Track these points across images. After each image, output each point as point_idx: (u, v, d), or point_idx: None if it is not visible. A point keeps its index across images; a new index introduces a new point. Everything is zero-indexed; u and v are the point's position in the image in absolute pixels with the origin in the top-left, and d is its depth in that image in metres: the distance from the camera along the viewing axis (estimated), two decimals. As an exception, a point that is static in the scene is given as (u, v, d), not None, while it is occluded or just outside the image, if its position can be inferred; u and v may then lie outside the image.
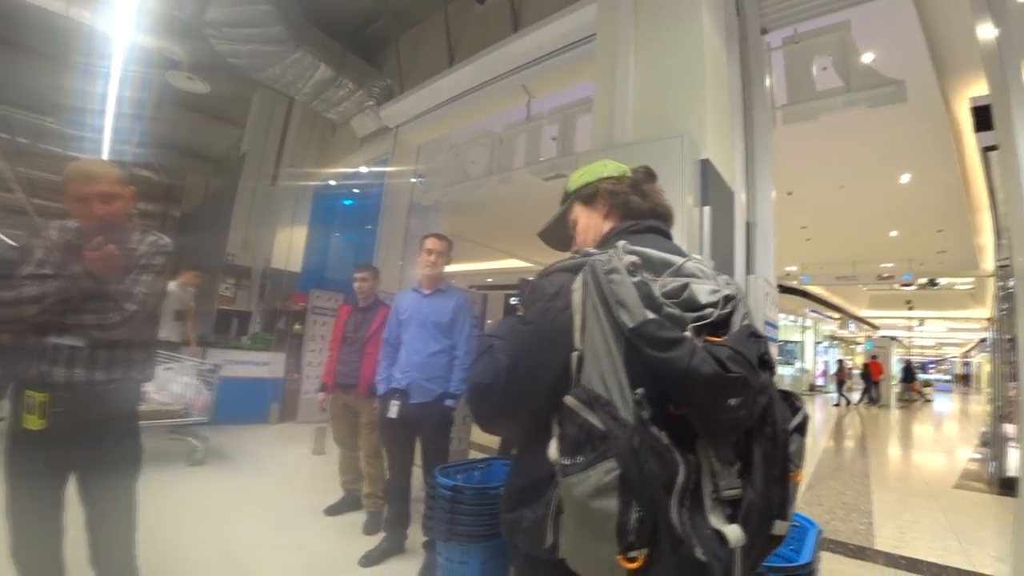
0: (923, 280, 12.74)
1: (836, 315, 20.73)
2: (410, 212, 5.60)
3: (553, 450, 0.91)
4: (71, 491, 1.67)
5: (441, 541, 2.13)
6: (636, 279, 0.89)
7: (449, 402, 2.89)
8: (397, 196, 5.62)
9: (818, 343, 21.81)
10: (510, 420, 1.09)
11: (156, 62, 5.96)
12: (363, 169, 6.74)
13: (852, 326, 23.52)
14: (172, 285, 5.11)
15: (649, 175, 1.28)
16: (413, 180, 5.67)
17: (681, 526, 0.79)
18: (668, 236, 1.21)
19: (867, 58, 3.98)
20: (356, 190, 7.66)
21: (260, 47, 5.47)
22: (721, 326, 0.91)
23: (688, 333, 0.86)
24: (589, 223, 1.26)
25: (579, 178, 1.31)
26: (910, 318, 21.23)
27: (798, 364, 19.61)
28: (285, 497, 3.80)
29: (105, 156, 7.68)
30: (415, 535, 3.01)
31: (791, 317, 18.63)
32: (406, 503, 3.02)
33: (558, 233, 1.37)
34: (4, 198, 14.71)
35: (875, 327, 23.59)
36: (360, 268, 3.66)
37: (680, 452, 0.82)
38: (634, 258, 0.93)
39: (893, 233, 10.34)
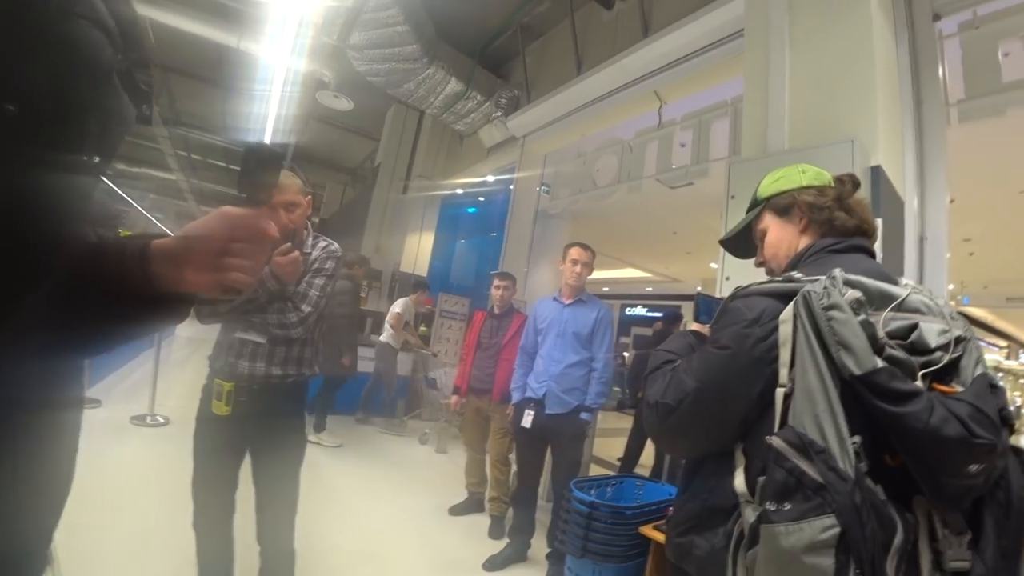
0: None
1: (1002, 343, 17.92)
2: (536, 220, 5.66)
3: (740, 483, 0.88)
4: (243, 473, 1.83)
5: (574, 557, 2.10)
6: (860, 318, 0.81)
7: (584, 415, 2.85)
8: (523, 204, 5.70)
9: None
10: (691, 445, 1.04)
11: (308, 84, 6.58)
12: (490, 178, 6.93)
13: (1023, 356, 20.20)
14: (409, 300, 6.02)
15: (855, 185, 1.14)
16: (538, 189, 5.73)
17: None
18: (873, 255, 1.08)
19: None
20: (481, 198, 7.90)
21: (396, 65, 5.82)
22: (947, 371, 0.82)
23: (919, 383, 0.78)
24: (782, 236, 1.15)
25: (773, 184, 1.18)
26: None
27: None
28: (412, 492, 3.96)
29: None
30: (537, 544, 3.00)
31: (944, 342, 16.35)
32: (532, 512, 3.02)
33: (742, 241, 1.27)
34: (179, 206, 17.10)
35: (1055, 360, 20.07)
36: (501, 276, 3.72)
37: (896, 509, 0.77)
38: (858, 294, 0.84)
39: (1089, 249, 8.71)
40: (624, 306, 17.25)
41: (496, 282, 3.67)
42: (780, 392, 0.86)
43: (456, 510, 3.61)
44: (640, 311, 17.32)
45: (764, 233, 1.19)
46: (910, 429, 0.72)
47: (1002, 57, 3.10)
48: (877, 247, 2.10)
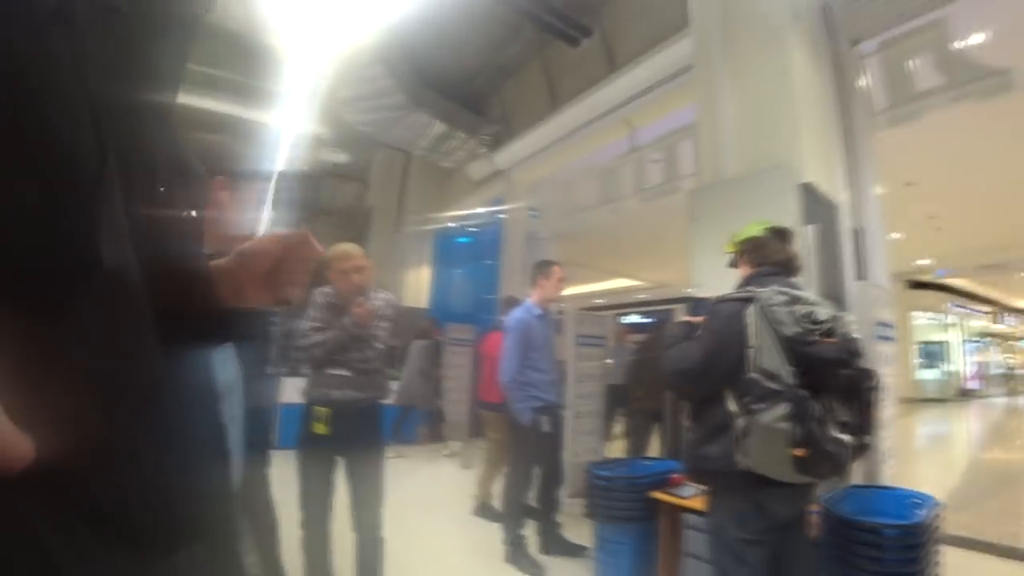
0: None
1: (987, 309, 18.44)
2: (527, 244, 6.14)
3: (733, 405, 1.58)
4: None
5: (601, 523, 2.54)
6: (788, 309, 1.55)
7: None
8: (514, 231, 6.18)
9: (967, 341, 19.15)
10: (702, 388, 1.72)
11: (307, 142, 7.02)
12: (480, 209, 7.41)
13: (1011, 319, 20.67)
14: None
15: (774, 232, 1.85)
16: (528, 213, 6.21)
17: (820, 435, 1.45)
18: (787, 276, 1.79)
19: (976, 40, 3.70)
20: (473, 229, 8.36)
21: (385, 114, 6.34)
22: (830, 332, 1.60)
23: (817, 337, 1.55)
24: (740, 267, 1.90)
25: (739, 234, 1.91)
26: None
27: (943, 367, 16.43)
28: (444, 503, 4.37)
29: (266, 219, 9.03)
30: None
31: (929, 315, 16.57)
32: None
33: None
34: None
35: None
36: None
37: (814, 399, 1.49)
38: (786, 297, 1.60)
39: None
40: (616, 316, 17.57)
41: None
42: (751, 351, 1.55)
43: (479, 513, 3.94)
44: (634, 318, 17.68)
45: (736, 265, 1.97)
46: (815, 357, 1.51)
47: (916, 68, 3.61)
48: (810, 247, 2.61)
